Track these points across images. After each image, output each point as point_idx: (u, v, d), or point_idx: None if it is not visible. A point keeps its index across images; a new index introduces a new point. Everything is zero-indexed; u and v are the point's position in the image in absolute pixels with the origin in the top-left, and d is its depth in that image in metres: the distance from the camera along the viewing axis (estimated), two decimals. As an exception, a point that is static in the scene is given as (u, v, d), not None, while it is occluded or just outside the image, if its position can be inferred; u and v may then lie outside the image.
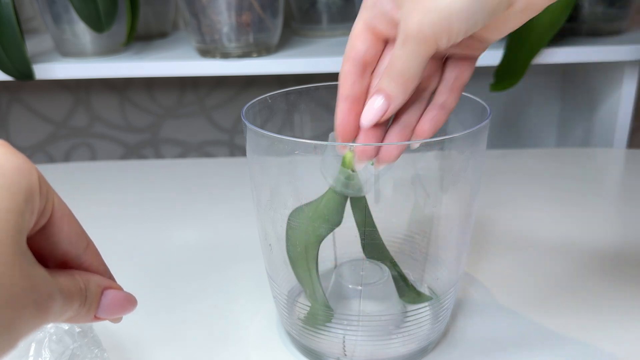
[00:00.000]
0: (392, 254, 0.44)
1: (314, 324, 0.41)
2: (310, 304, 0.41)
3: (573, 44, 0.74)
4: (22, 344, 0.44)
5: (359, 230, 0.41)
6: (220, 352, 0.43)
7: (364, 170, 0.36)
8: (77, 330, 0.46)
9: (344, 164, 0.35)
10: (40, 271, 0.22)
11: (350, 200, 0.38)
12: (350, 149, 0.35)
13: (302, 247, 0.39)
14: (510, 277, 0.51)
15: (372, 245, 0.43)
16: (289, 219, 0.39)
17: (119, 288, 0.27)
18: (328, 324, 0.41)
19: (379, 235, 0.42)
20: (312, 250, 0.39)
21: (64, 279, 0.24)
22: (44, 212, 0.24)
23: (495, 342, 0.43)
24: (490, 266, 0.53)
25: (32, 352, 0.44)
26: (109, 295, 0.27)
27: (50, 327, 0.45)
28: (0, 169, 0.21)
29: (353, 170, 0.35)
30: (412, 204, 0.40)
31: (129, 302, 0.27)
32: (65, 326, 0.46)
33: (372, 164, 0.35)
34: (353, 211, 0.39)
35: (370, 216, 0.40)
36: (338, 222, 0.38)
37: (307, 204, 0.38)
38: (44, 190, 0.24)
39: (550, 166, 0.76)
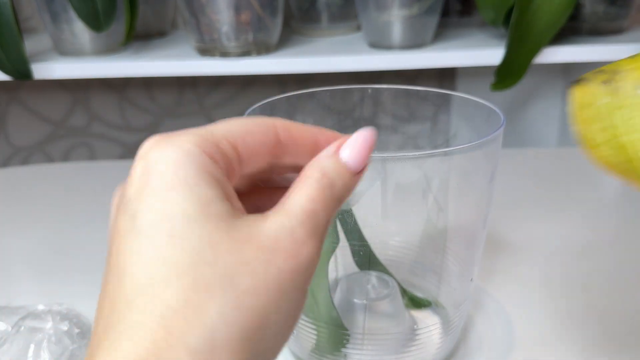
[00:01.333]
0: (399, 266, 0.43)
1: (329, 351, 0.40)
2: (316, 327, 0.40)
3: (574, 43, 0.74)
4: (20, 345, 0.43)
5: (349, 243, 0.40)
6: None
7: None
8: (77, 331, 0.46)
9: None
10: (269, 226, 0.21)
11: (338, 213, 0.37)
12: None
13: None
14: (513, 281, 0.51)
15: (364, 259, 0.42)
16: None
17: (344, 136, 0.25)
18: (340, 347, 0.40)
19: (370, 249, 0.41)
20: (316, 270, 0.37)
21: (303, 197, 0.22)
22: (229, 160, 0.22)
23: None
24: (491, 269, 0.53)
25: (30, 353, 0.43)
26: (346, 150, 0.24)
27: (49, 328, 0.44)
28: (166, 176, 0.20)
29: None
30: (424, 216, 0.39)
31: (367, 138, 0.25)
32: (65, 327, 0.45)
33: None
34: (341, 225, 0.38)
35: (359, 229, 0.39)
36: (336, 236, 0.37)
37: None
38: (215, 152, 0.21)
39: (551, 166, 0.76)
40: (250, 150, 0.23)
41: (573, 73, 0.94)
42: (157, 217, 0.19)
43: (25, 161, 1.02)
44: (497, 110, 0.39)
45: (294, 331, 0.41)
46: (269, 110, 0.43)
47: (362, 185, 0.35)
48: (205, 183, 0.20)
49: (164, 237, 0.19)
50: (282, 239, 0.21)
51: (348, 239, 0.40)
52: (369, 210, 0.38)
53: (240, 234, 0.20)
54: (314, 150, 0.25)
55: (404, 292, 0.43)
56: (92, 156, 1.04)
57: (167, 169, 0.20)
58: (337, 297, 0.42)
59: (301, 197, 0.22)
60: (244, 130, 0.23)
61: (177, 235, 0.19)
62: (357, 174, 0.24)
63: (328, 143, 0.25)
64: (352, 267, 0.43)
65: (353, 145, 0.24)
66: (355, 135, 0.25)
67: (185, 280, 0.19)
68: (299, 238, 0.21)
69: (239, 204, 0.22)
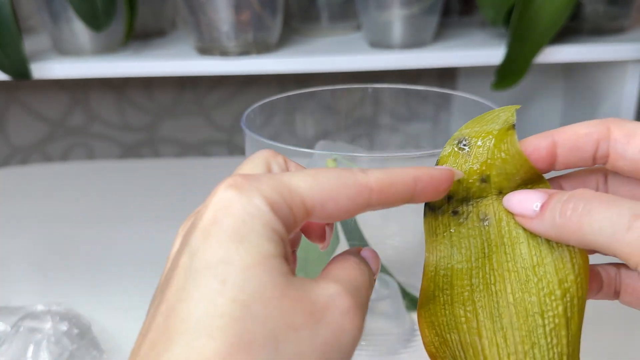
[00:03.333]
0: (400, 265, 0.43)
1: None
2: None
3: (575, 42, 0.73)
4: (20, 345, 0.43)
5: (349, 244, 0.40)
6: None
7: None
8: (76, 331, 0.45)
9: None
10: (318, 290, 0.21)
11: None
12: (332, 157, 0.34)
13: (299, 268, 0.38)
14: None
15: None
16: None
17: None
18: None
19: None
20: (316, 270, 0.37)
21: (344, 272, 0.22)
22: (296, 223, 0.22)
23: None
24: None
25: (30, 353, 0.43)
26: (365, 253, 0.26)
27: (48, 328, 0.44)
28: (232, 226, 0.20)
29: None
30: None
31: (376, 257, 0.26)
32: (64, 327, 0.45)
33: None
34: (341, 225, 0.38)
35: (359, 230, 0.39)
36: (336, 236, 0.37)
37: None
38: (285, 213, 0.21)
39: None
40: (327, 214, 0.22)
41: (574, 72, 0.94)
42: (214, 261, 0.19)
43: (24, 161, 1.02)
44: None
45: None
46: (269, 110, 0.43)
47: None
48: (267, 240, 0.20)
49: (216, 283, 0.19)
50: (333, 307, 0.20)
51: (348, 239, 0.40)
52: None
53: (293, 293, 0.20)
54: (413, 192, 0.24)
55: (404, 292, 0.43)
56: (91, 156, 1.03)
57: (235, 220, 0.20)
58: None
59: (343, 272, 0.22)
60: (328, 195, 0.22)
61: (230, 283, 0.19)
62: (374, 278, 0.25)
63: (428, 178, 0.24)
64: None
65: (369, 254, 0.26)
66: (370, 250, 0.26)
67: (229, 334, 0.18)
68: (348, 308, 0.20)
69: (293, 265, 0.22)
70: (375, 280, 0.25)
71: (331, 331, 0.20)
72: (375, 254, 0.26)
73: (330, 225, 0.27)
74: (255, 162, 0.25)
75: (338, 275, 0.22)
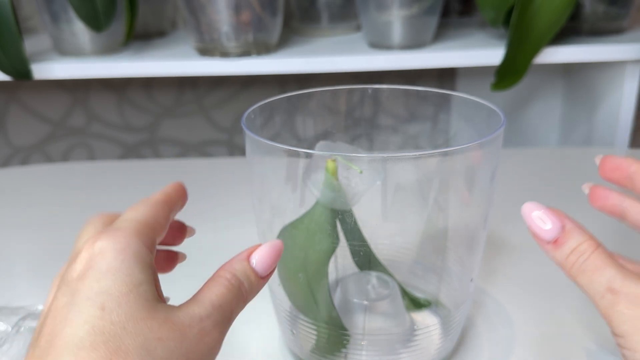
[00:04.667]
0: (400, 266, 0.43)
1: (329, 352, 0.40)
2: (316, 327, 0.40)
3: (574, 42, 0.73)
4: (20, 345, 0.43)
5: (349, 244, 0.40)
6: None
7: (350, 181, 0.35)
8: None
9: (327, 173, 0.34)
10: (183, 313, 0.25)
11: (338, 213, 0.37)
12: (333, 158, 0.34)
13: (299, 267, 0.37)
14: (513, 281, 0.51)
15: (364, 259, 0.42)
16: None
17: (258, 244, 0.29)
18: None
19: (370, 249, 0.41)
20: (316, 270, 0.37)
21: (213, 293, 0.27)
22: (156, 241, 0.28)
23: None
24: (491, 269, 0.53)
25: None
26: (256, 256, 0.29)
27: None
28: (107, 264, 0.24)
29: (337, 180, 0.34)
30: (424, 216, 0.39)
31: (275, 249, 0.29)
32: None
33: (361, 172, 0.34)
34: (341, 225, 0.38)
35: (359, 230, 0.39)
36: (336, 236, 0.37)
37: (297, 220, 0.37)
38: (150, 252, 0.26)
39: (552, 165, 0.76)
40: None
41: (573, 73, 0.94)
42: (92, 293, 0.23)
43: (24, 161, 1.02)
44: (498, 110, 0.39)
45: (294, 331, 0.41)
46: (269, 110, 0.43)
47: (362, 185, 0.35)
48: (138, 269, 0.25)
49: (97, 309, 0.23)
50: (192, 326, 0.25)
51: (348, 239, 0.40)
52: (369, 210, 0.38)
53: (160, 315, 0.24)
54: None
55: (404, 292, 0.43)
56: (91, 156, 1.04)
57: (110, 255, 0.24)
58: (337, 297, 0.42)
59: (212, 293, 0.27)
60: (166, 221, 0.29)
61: (108, 308, 0.23)
62: (263, 278, 0.29)
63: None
64: (352, 268, 0.43)
65: (262, 254, 0.29)
66: (264, 245, 0.29)
67: (109, 346, 0.22)
68: (205, 328, 0.25)
69: (160, 291, 0.26)
70: (262, 283, 0.29)
71: (194, 343, 0.24)
72: (268, 252, 0.29)
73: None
74: (96, 224, 0.30)
75: (204, 297, 0.26)
